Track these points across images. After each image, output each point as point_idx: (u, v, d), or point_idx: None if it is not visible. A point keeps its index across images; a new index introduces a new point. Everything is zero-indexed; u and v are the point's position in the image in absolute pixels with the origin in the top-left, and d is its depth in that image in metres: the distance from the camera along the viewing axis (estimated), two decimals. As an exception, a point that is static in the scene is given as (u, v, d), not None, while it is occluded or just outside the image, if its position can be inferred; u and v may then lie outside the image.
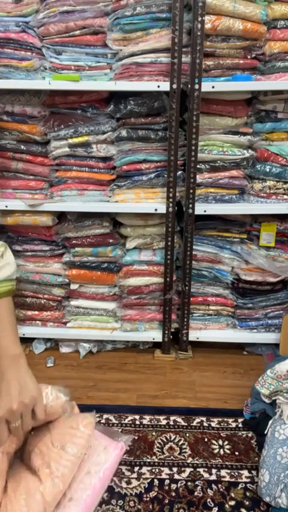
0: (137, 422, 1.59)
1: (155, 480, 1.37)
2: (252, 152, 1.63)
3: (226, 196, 1.70)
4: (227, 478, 1.38)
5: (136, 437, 1.52)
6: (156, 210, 1.69)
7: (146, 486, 1.35)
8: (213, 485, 1.35)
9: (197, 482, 1.36)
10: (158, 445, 1.50)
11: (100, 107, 1.60)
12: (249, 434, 1.54)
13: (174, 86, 1.49)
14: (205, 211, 1.67)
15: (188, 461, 1.44)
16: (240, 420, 1.59)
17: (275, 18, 1.45)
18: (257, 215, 1.77)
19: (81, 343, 2.00)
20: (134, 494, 1.33)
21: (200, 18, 1.39)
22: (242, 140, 1.61)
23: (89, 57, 1.50)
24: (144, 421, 1.60)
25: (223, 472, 1.40)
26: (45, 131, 1.62)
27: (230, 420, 1.60)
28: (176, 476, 1.38)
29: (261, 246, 1.78)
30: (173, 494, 1.33)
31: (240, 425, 1.58)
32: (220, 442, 1.51)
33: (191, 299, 1.87)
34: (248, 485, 1.35)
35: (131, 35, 1.46)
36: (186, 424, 1.58)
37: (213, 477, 1.38)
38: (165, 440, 1.52)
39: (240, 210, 1.71)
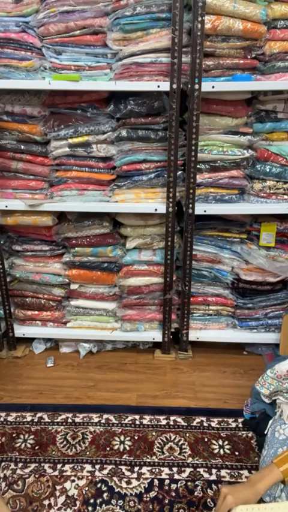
0: (137, 422, 1.59)
1: (155, 480, 1.37)
2: (252, 152, 1.63)
3: (226, 196, 1.70)
4: (227, 478, 1.38)
5: (136, 437, 1.52)
6: (156, 210, 1.69)
7: (146, 486, 1.35)
8: (213, 485, 1.35)
9: (197, 482, 1.36)
10: (158, 445, 1.50)
11: (100, 107, 1.60)
12: (249, 434, 1.54)
13: (174, 86, 1.49)
14: (205, 211, 1.67)
15: (188, 461, 1.44)
16: (240, 420, 1.59)
17: (275, 18, 1.45)
18: (257, 215, 1.77)
19: (81, 343, 2.00)
20: (134, 494, 1.33)
21: (200, 18, 1.39)
22: (242, 140, 1.61)
23: (89, 57, 1.50)
24: (144, 421, 1.60)
25: (223, 472, 1.40)
26: (45, 131, 1.62)
27: (230, 420, 1.60)
28: (176, 476, 1.38)
29: (261, 246, 1.78)
30: (173, 494, 1.33)
31: (240, 425, 1.58)
32: (220, 442, 1.51)
33: (191, 299, 1.87)
34: (248, 485, 1.35)
35: (131, 35, 1.46)
36: (186, 424, 1.58)
37: (213, 477, 1.38)
38: (165, 440, 1.52)
39: (240, 210, 1.71)
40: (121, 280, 1.84)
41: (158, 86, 1.50)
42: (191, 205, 1.66)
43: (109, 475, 1.39)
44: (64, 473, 1.40)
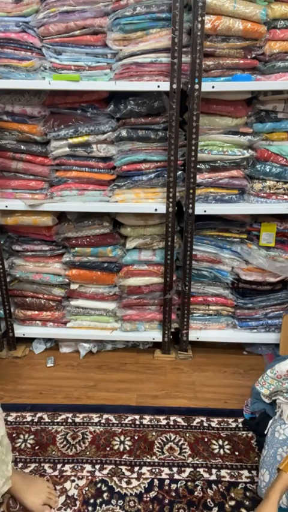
0: (137, 422, 1.59)
1: (155, 480, 1.37)
2: (252, 152, 1.63)
3: (226, 196, 1.70)
4: (227, 478, 1.38)
5: (136, 437, 1.52)
6: (156, 210, 1.69)
7: (146, 486, 1.35)
8: (213, 485, 1.35)
9: (197, 482, 1.36)
10: (158, 445, 1.50)
11: (100, 107, 1.60)
12: (249, 434, 1.54)
13: (174, 86, 1.49)
14: (205, 211, 1.67)
15: (188, 461, 1.44)
16: (240, 420, 1.59)
17: (275, 18, 1.45)
18: (257, 215, 1.77)
19: (81, 343, 2.00)
20: (134, 494, 1.33)
21: (200, 18, 1.39)
22: (242, 140, 1.61)
23: (89, 57, 1.50)
24: (144, 421, 1.60)
25: (223, 472, 1.40)
26: (45, 131, 1.62)
27: (230, 420, 1.60)
28: (176, 476, 1.38)
29: (261, 246, 1.78)
30: (173, 494, 1.33)
31: (240, 425, 1.58)
32: (220, 442, 1.51)
33: (191, 299, 1.87)
34: (248, 485, 1.35)
35: (131, 35, 1.46)
36: (186, 424, 1.58)
37: (213, 477, 1.38)
38: (165, 440, 1.52)
39: (240, 210, 1.71)
40: (121, 280, 1.84)
41: (158, 86, 1.50)
42: (191, 205, 1.66)
43: (109, 475, 1.39)
44: (64, 473, 1.40)
